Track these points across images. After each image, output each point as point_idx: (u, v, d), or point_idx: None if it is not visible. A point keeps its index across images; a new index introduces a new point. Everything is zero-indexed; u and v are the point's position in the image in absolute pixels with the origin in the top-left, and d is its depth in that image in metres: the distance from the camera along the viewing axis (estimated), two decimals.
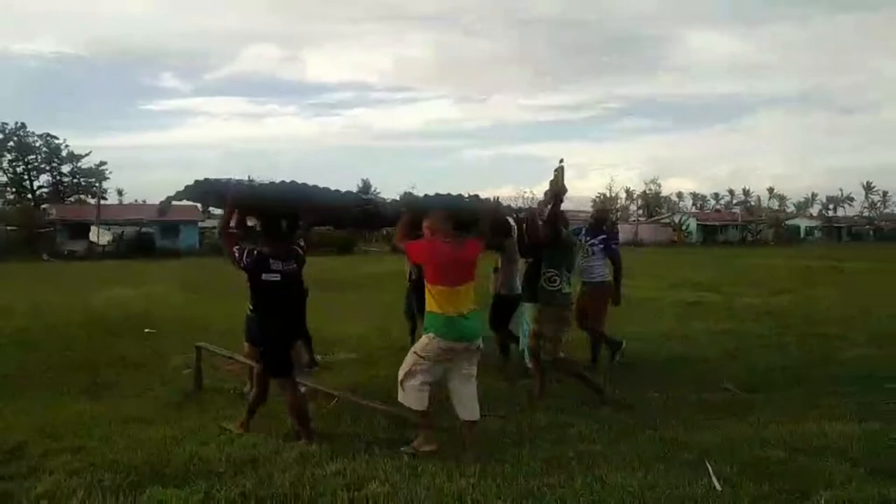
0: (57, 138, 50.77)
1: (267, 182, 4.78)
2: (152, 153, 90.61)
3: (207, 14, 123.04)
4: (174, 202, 4.92)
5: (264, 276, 4.23)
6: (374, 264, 23.86)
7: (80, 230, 37.12)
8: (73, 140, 54.52)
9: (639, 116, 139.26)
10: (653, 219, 68.68)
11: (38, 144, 50.36)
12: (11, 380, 6.38)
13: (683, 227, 58.76)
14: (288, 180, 4.21)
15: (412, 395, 3.97)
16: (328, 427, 4.48)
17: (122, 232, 35.77)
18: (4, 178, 50.10)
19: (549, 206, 5.10)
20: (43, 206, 46.00)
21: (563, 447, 3.94)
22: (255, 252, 4.26)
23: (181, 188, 4.60)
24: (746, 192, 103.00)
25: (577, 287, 6.22)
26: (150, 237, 37.03)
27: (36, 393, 5.85)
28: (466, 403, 4.03)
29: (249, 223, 5.07)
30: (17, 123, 49.46)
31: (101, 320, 10.07)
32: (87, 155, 51.99)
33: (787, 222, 70.01)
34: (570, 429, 4.36)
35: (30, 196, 50.03)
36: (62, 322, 9.89)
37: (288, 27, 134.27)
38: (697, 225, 61.88)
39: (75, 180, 52.62)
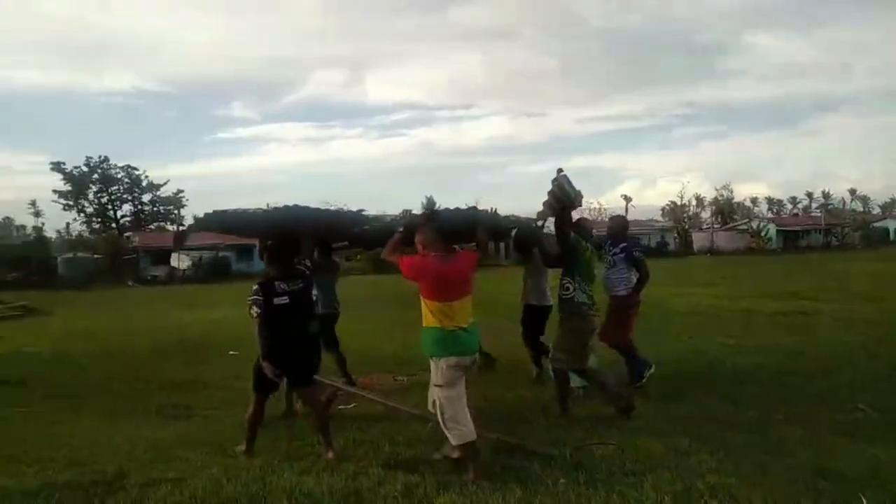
0: (137, 169, 53.35)
1: (268, 208, 5.00)
2: (225, 180, 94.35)
3: (273, 44, 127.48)
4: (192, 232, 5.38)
5: (275, 301, 4.34)
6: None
7: (162, 256, 38.73)
8: (152, 171, 57.50)
9: (706, 122, 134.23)
10: (729, 226, 66.00)
11: (120, 176, 53.01)
12: (99, 400, 6.47)
13: (763, 234, 56.08)
14: (291, 204, 4.64)
15: (463, 433, 3.83)
16: (426, 453, 4.21)
17: (201, 257, 37.04)
18: (91, 209, 52.90)
19: (551, 215, 5.01)
20: (126, 234, 48.34)
21: (689, 479, 3.53)
22: (260, 283, 4.42)
23: (198, 218, 5.01)
24: (826, 195, 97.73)
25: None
26: (226, 261, 38.19)
27: (125, 414, 5.88)
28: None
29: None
30: (100, 157, 52.26)
31: (187, 342, 10.26)
32: (165, 184, 54.47)
33: (873, 224, 65.88)
34: (689, 457, 3.93)
35: (114, 225, 52.65)
36: (148, 344, 10.14)
37: (350, 51, 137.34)
38: (777, 230, 59.02)
39: (155, 208, 55.12)
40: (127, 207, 54.44)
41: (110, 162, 52.55)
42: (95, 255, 39.96)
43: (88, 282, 32.16)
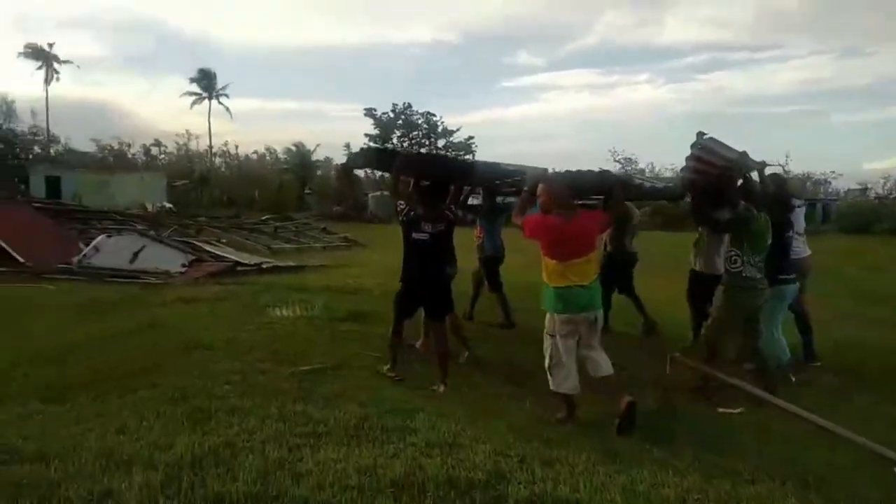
0: (435, 115, 57.14)
1: (426, 152, 5.58)
2: (509, 128, 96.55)
3: None
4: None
5: (414, 235, 4.89)
6: None
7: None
8: (446, 118, 61.04)
9: None
10: None
11: (420, 122, 57.39)
12: None
13: None
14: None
15: (561, 381, 4.17)
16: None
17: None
18: None
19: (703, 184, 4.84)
20: None
21: None
22: (412, 212, 4.93)
23: (352, 155, 5.49)
24: None
25: None
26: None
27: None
28: (599, 361, 4.20)
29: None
30: (404, 104, 57.08)
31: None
32: (457, 130, 57.59)
33: None
34: None
35: None
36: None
37: None
38: None
39: (448, 153, 58.71)
40: (424, 151, 58.85)
41: (412, 108, 57.24)
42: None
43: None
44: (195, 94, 60.84)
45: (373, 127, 56.88)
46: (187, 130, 60.78)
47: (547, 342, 4.28)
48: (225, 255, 12.84)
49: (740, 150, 4.77)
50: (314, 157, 56.70)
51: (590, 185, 4.92)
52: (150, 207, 29.03)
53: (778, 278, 5.14)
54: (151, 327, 7.01)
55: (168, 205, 33.33)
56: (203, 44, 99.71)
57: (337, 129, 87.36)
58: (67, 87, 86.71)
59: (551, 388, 4.23)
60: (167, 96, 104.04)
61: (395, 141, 57.18)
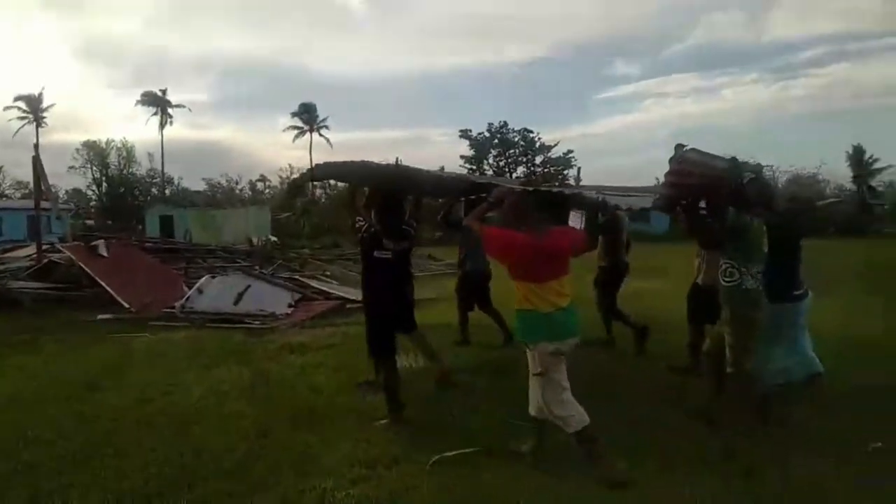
0: (532, 132, 55.71)
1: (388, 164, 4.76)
2: (603, 140, 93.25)
3: None
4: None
5: (376, 254, 4.74)
6: None
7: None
8: (543, 133, 59.27)
9: None
10: None
11: (516, 139, 56.05)
12: None
13: None
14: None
15: (573, 419, 3.74)
16: None
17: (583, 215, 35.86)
18: (490, 172, 57.22)
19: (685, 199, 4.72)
20: None
21: None
22: (371, 228, 4.79)
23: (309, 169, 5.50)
24: None
25: None
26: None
27: None
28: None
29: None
30: (500, 122, 56.06)
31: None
32: (555, 145, 55.83)
33: None
34: None
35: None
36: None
37: None
38: None
39: (545, 169, 56.81)
40: (521, 169, 57.30)
41: (508, 126, 55.98)
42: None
43: None
44: (297, 127, 62.92)
45: (468, 148, 56.31)
46: (290, 164, 62.63)
47: (536, 385, 3.84)
48: (332, 290, 11.82)
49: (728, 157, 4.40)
50: None
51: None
52: (255, 241, 29.23)
53: (793, 294, 4.68)
54: (252, 390, 5.88)
55: (273, 238, 33.65)
56: (304, 80, 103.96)
57: (437, 154, 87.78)
58: (179, 130, 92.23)
59: (571, 431, 3.74)
60: (270, 133, 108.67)
61: (490, 160, 56.26)
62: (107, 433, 4.77)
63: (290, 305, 10.37)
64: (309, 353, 7.45)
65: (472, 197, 6.10)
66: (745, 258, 4.46)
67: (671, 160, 4.40)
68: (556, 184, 52.78)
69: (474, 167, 56.68)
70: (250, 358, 7.25)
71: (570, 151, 55.77)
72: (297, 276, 13.86)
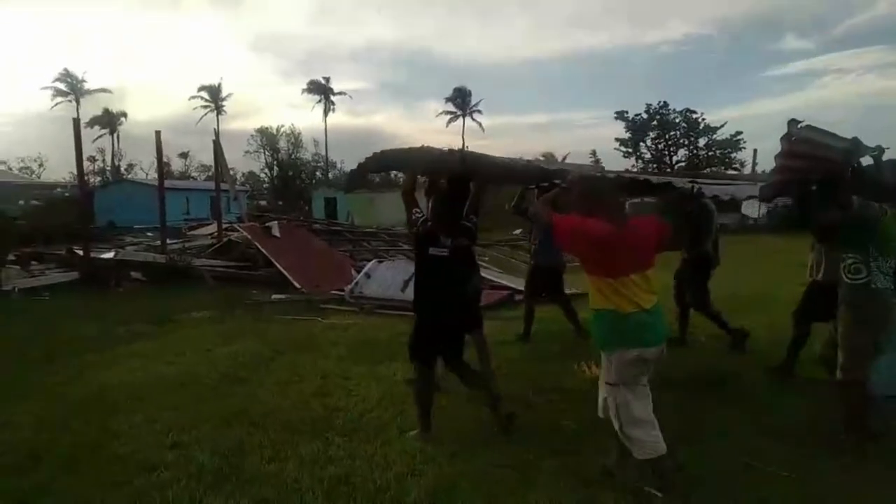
0: (695, 112, 51.72)
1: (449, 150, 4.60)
2: (776, 120, 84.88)
3: None
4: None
5: (432, 251, 4.23)
6: None
7: (731, 203, 35.81)
8: (708, 114, 54.71)
9: None
10: None
11: (677, 121, 52.36)
12: None
13: None
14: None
15: (646, 444, 3.27)
16: None
17: (776, 204, 32.70)
18: (648, 155, 54.10)
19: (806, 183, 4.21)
20: None
21: None
22: (428, 223, 4.33)
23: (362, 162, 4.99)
24: None
25: None
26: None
27: None
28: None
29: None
30: (659, 103, 52.58)
31: None
32: (721, 126, 51.29)
33: None
34: None
35: (668, 170, 52.63)
36: None
37: None
38: None
39: (710, 152, 52.66)
40: (682, 152, 53.66)
41: (669, 107, 52.43)
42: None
43: None
44: (450, 112, 63.67)
45: (624, 130, 53.46)
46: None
47: (609, 396, 3.40)
48: (500, 280, 11.40)
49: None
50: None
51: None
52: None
53: None
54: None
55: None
56: (453, 66, 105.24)
57: (585, 137, 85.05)
58: (340, 117, 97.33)
59: (638, 457, 3.31)
60: (424, 118, 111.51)
61: (647, 143, 53.03)
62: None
63: None
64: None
65: (545, 185, 5.42)
66: (876, 253, 3.97)
67: (782, 139, 3.94)
68: (722, 168, 48.68)
69: (631, 150, 53.84)
70: None
71: (738, 133, 51.01)
72: None
